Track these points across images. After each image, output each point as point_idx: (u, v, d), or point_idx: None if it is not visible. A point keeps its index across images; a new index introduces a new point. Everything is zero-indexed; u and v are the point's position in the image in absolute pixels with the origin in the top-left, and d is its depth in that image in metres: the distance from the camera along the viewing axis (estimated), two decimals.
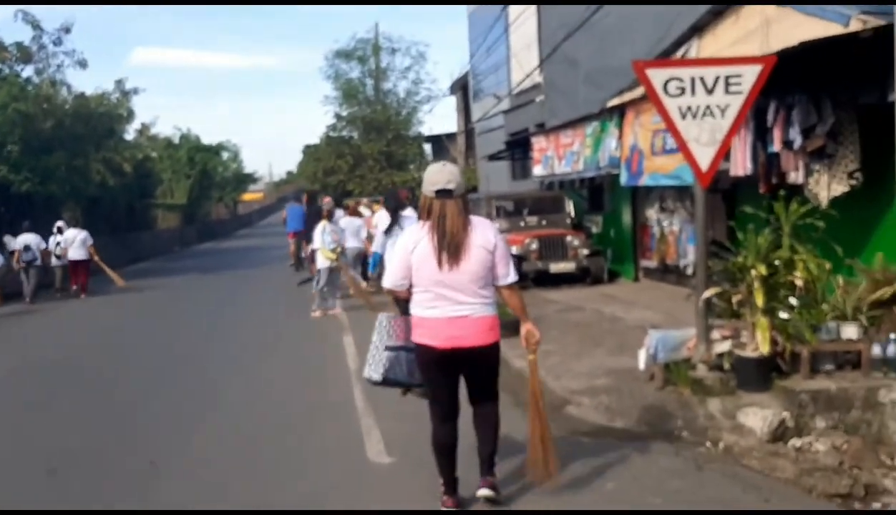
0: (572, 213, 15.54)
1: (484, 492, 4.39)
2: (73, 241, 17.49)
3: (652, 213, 13.42)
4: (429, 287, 4.13)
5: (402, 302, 4.61)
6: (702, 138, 6.56)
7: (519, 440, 5.16)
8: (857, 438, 6.00)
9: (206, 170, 50.38)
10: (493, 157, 20.50)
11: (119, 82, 24.26)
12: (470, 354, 4.17)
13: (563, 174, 14.31)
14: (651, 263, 13.58)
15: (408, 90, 32.62)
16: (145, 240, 35.54)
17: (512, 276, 4.29)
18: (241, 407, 7.18)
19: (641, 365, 6.97)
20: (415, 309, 4.24)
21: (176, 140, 49.44)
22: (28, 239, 17.18)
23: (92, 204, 28.28)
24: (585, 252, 14.06)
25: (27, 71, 20.82)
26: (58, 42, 20.83)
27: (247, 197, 75.39)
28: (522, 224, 15.31)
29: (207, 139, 53.57)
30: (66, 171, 21.82)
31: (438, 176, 4.11)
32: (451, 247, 4.05)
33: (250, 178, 67.91)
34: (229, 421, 6.80)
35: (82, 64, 21.35)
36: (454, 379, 4.30)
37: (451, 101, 34.02)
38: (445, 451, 4.33)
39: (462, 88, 30.96)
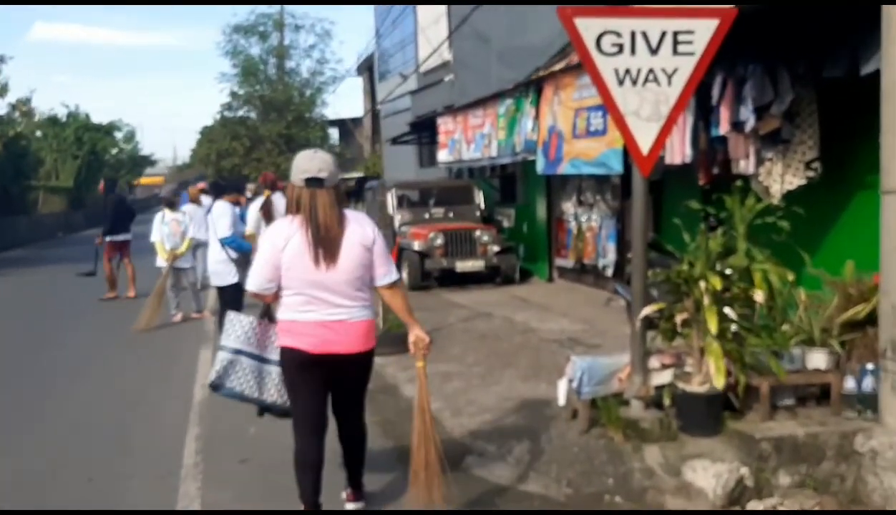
0: (482, 205, 14.05)
1: (351, 506, 4.16)
2: None
3: (569, 207, 12.07)
4: (301, 289, 3.68)
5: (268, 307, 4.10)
6: (643, 111, 5.09)
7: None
8: (830, 497, 4.83)
9: (96, 151, 47.02)
10: (397, 141, 18.80)
11: None
12: (342, 362, 3.76)
13: (471, 160, 12.77)
14: (567, 262, 12.23)
15: (312, 70, 30.60)
16: (22, 225, 32.44)
17: (393, 274, 3.93)
18: (28, 452, 5.35)
19: (561, 399, 5.48)
20: (284, 313, 3.76)
21: (63, 118, 46.06)
22: None
23: None
24: (496, 249, 12.60)
25: None
26: None
27: (145, 181, 71.24)
28: (427, 216, 13.74)
29: (105, 118, 50.20)
30: None
31: (309, 163, 3.70)
32: (326, 242, 3.64)
33: (147, 161, 64.13)
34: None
35: None
36: (323, 389, 3.84)
37: (358, 83, 32.23)
38: (308, 468, 3.86)
39: (368, 69, 29.23)
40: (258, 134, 27.80)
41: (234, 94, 29.12)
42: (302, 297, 3.68)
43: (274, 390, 4.07)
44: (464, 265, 12.34)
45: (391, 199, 13.89)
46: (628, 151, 5.16)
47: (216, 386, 4.08)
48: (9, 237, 28.99)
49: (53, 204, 41.53)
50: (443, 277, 12.55)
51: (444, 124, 14.07)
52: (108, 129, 49.70)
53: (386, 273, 3.86)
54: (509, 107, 10.69)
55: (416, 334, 3.96)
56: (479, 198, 14.02)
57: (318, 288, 3.67)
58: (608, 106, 5.09)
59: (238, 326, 4.12)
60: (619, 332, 8.40)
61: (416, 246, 12.51)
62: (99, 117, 48.59)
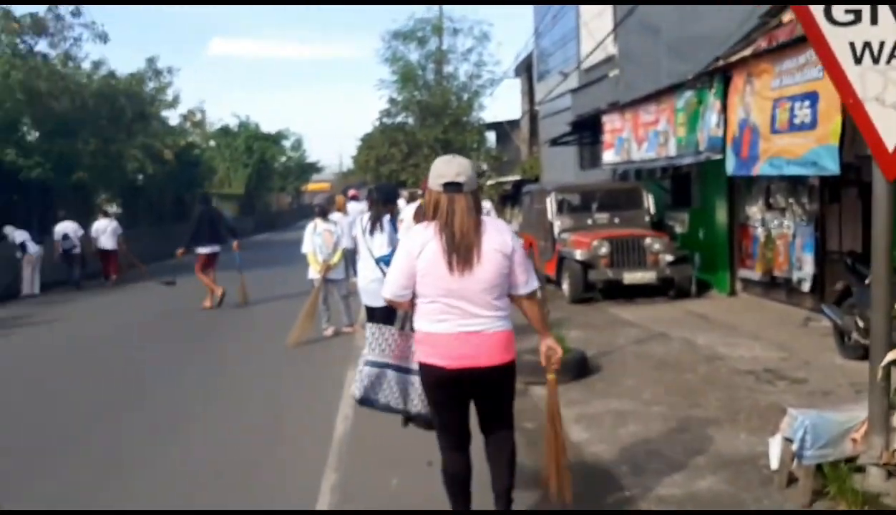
0: (652, 209, 12.83)
1: None
2: (103, 231, 18.04)
3: (755, 211, 10.68)
4: (436, 297, 3.56)
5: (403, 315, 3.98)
6: (888, 96, 3.92)
7: None
8: None
9: (265, 159, 48.94)
10: (556, 142, 17.76)
11: (150, 60, 22.22)
12: (482, 376, 3.58)
13: (643, 161, 11.52)
14: (752, 274, 10.83)
15: (469, 73, 29.98)
16: None
17: (533, 283, 3.74)
18: (132, 501, 4.81)
19: (774, 461, 4.38)
20: (420, 323, 3.65)
21: (234, 128, 48.28)
22: (66, 227, 17.71)
23: (133, 192, 26.73)
24: (669, 258, 11.37)
25: (41, 45, 18.81)
26: (76, 13, 18.77)
27: (312, 187, 73.68)
28: (590, 221, 12.69)
29: (273, 128, 52.13)
30: (92, 157, 20.06)
31: (447, 168, 3.60)
32: (461, 248, 3.51)
33: (313, 168, 66.27)
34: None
35: (102, 37, 19.35)
36: (464, 403, 3.72)
37: (516, 85, 31.44)
38: (458, 482, 3.79)
39: (527, 70, 28.37)
40: (416, 139, 27.54)
41: (392, 101, 29.07)
42: (437, 306, 3.56)
43: (418, 400, 3.93)
44: (632, 276, 11.20)
45: (551, 204, 12.95)
46: (870, 149, 3.99)
47: (363, 401, 4.02)
48: (181, 242, 30.37)
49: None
50: (607, 289, 11.47)
51: (611, 122, 12.94)
52: (277, 138, 51.57)
53: (526, 281, 3.67)
54: (689, 100, 9.44)
55: (548, 344, 3.82)
56: (649, 202, 12.81)
57: (454, 296, 3.53)
58: (842, 90, 3.95)
59: (381, 338, 4.03)
60: (827, 362, 7.11)
61: (579, 255, 11.50)
62: (268, 127, 50.58)
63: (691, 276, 11.40)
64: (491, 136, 32.84)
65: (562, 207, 12.99)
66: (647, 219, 12.65)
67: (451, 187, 3.54)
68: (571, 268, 11.57)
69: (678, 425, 5.57)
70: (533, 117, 28.48)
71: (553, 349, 3.79)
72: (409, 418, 4.06)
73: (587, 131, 16.72)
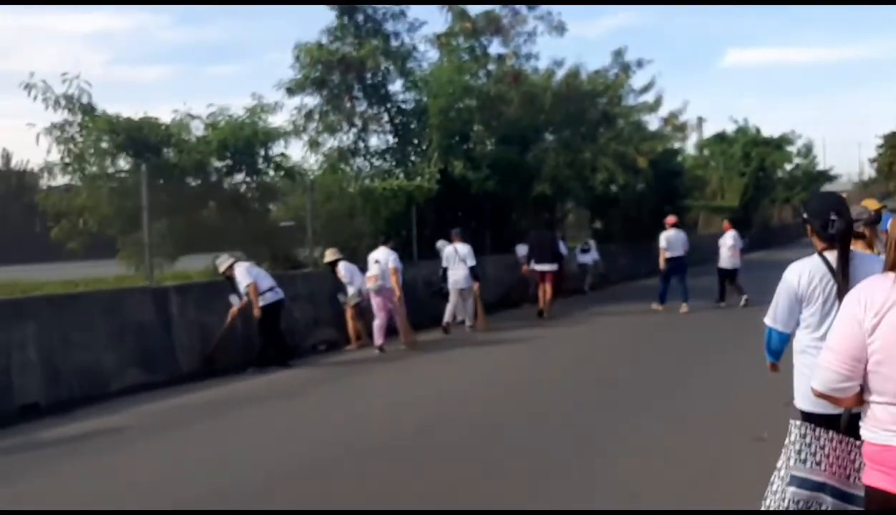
0: None
1: None
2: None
3: None
4: None
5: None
6: None
7: None
8: None
9: (764, 167, 43.83)
10: None
11: (617, 54, 19.72)
12: None
13: None
14: None
15: None
16: None
17: None
18: None
19: None
20: (872, 430, 2.42)
21: (731, 134, 44.22)
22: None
23: (604, 205, 24.75)
24: None
25: (493, 44, 17.56)
26: (531, 6, 17.11)
27: None
28: None
29: (776, 133, 46.71)
30: (554, 168, 18.37)
31: None
32: None
33: (825, 176, 58.29)
34: None
35: (558, 29, 17.38)
36: None
37: None
38: None
39: None
40: None
41: None
42: None
43: None
44: None
45: None
46: None
47: None
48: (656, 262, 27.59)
49: (716, 225, 39.68)
50: None
51: None
52: (779, 143, 45.95)
53: None
54: None
55: None
56: None
57: None
58: None
59: (815, 444, 2.80)
60: None
61: None
62: (770, 132, 45.25)
63: None
64: None
65: None
66: None
67: None
68: None
69: None
70: None
71: None
72: None
73: None
